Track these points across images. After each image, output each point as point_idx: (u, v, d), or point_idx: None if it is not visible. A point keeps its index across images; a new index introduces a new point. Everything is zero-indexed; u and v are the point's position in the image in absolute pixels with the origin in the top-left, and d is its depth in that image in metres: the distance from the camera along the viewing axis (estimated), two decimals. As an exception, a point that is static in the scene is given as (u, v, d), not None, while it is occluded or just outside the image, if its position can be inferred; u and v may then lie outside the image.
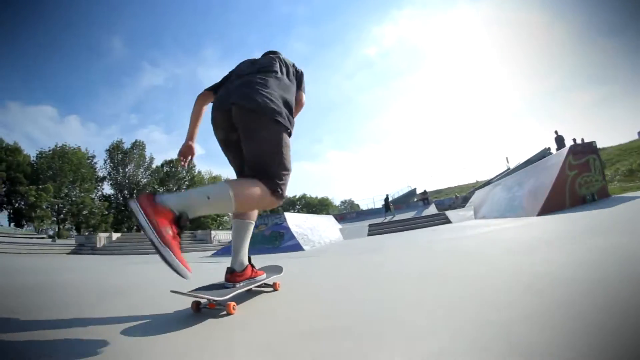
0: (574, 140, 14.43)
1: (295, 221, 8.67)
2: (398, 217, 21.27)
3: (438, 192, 33.88)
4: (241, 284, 1.64)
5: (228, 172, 44.10)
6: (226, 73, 1.87)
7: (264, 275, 1.83)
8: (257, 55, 1.94)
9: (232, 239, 1.75)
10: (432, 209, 21.96)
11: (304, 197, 55.61)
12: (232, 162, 1.77)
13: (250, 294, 1.78)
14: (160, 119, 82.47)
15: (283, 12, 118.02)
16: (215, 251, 10.32)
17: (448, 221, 10.09)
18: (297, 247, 7.51)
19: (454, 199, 25.02)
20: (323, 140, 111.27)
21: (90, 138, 64.30)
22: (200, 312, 1.48)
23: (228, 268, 1.67)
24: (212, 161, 79.17)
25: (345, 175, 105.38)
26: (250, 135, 1.52)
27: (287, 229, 8.14)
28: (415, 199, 29.60)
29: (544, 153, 16.13)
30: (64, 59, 62.89)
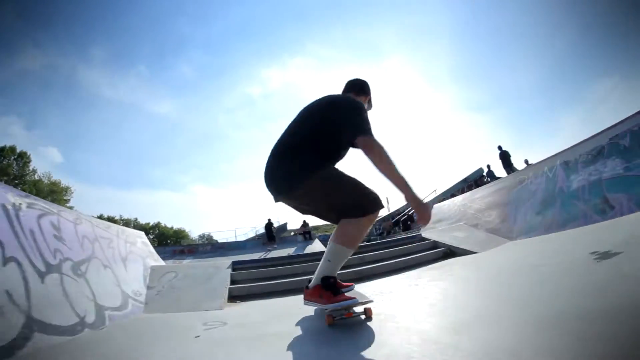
0: (526, 161, 12.26)
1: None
2: (278, 252, 15.70)
3: (327, 226, 29.67)
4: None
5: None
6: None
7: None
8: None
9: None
10: (317, 246, 17.36)
11: (158, 225, 50.80)
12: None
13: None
14: (25, 110, 61.57)
15: (183, 31, 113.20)
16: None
17: (448, 251, 4.41)
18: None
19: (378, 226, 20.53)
20: (190, 172, 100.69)
21: None
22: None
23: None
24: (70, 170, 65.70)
25: (208, 211, 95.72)
26: (311, 201, 1.86)
27: None
28: (293, 233, 24.22)
29: (480, 172, 13.80)
30: None
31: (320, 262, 1.84)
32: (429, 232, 5.45)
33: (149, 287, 3.34)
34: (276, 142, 1.91)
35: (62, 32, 73.58)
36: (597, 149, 4.29)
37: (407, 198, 1.64)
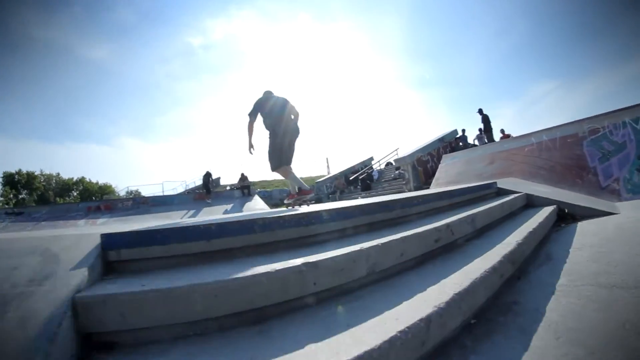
0: (502, 131, 12.05)
1: None
2: (213, 209, 13.80)
3: (267, 182, 28.08)
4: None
5: None
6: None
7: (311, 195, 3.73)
8: None
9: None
10: (258, 202, 15.91)
11: (82, 181, 43.71)
12: None
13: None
14: None
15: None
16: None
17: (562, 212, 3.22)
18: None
19: (329, 184, 19.30)
20: (120, 124, 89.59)
21: None
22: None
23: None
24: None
25: (138, 166, 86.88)
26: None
27: None
28: (229, 187, 22.11)
29: (455, 134, 13.41)
30: None
31: (293, 183, 3.71)
32: (503, 183, 4.21)
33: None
34: (287, 128, 3.61)
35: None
36: None
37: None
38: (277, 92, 3.72)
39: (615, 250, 2.18)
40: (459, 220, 2.28)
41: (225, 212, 13.91)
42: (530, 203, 3.56)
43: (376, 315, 1.14)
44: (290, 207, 3.70)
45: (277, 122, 3.52)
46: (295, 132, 3.67)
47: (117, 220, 12.79)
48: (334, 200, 14.46)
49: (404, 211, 2.58)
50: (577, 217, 3.14)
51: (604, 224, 2.76)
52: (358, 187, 15.70)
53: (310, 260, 1.30)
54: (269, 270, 1.22)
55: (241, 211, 13.98)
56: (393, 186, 13.27)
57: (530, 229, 2.41)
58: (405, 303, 1.24)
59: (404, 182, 12.22)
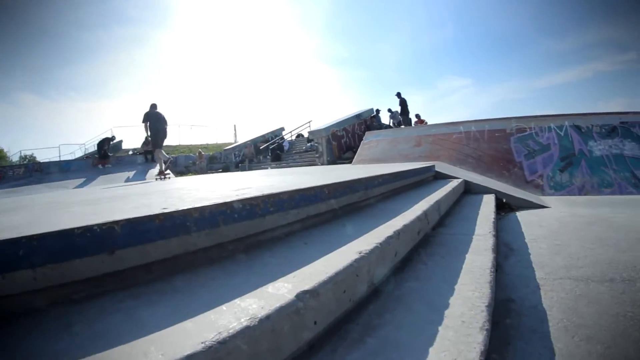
0: (418, 116, 12.60)
1: None
2: (113, 176, 12.00)
3: (172, 148, 24.99)
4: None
5: None
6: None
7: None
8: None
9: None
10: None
11: None
12: None
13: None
14: None
15: None
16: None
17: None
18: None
19: (196, 158, 17.94)
20: (14, 76, 70.45)
21: None
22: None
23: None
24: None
25: (35, 127, 71.23)
26: None
27: None
28: (132, 152, 19.13)
29: (371, 112, 13.52)
30: None
31: (160, 161, 7.86)
32: (440, 167, 4.16)
33: None
34: (161, 126, 7.37)
35: None
36: (610, 127, 4.21)
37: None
38: (159, 107, 7.47)
39: (569, 243, 2.19)
40: (431, 207, 1.98)
41: (127, 180, 11.99)
42: (468, 189, 3.59)
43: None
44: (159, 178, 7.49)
45: (156, 125, 7.25)
46: (165, 132, 7.52)
47: (8, 191, 10.38)
48: (244, 170, 13.71)
49: (366, 193, 2.18)
50: (512, 207, 3.24)
51: (543, 217, 2.86)
52: (268, 157, 15.23)
53: (306, 288, 0.77)
54: (237, 314, 0.65)
55: (144, 179, 12.18)
56: (305, 158, 13.11)
57: (492, 220, 2.28)
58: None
59: (317, 155, 12.06)
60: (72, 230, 0.79)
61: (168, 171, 8.11)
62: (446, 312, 0.96)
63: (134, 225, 0.89)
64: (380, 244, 1.17)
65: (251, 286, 0.81)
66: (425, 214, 1.80)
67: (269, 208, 1.31)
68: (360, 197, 2.09)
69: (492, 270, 1.32)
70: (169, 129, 7.62)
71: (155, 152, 7.86)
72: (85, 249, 0.80)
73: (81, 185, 11.38)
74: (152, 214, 0.95)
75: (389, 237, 1.26)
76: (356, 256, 1.01)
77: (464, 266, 1.37)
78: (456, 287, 1.16)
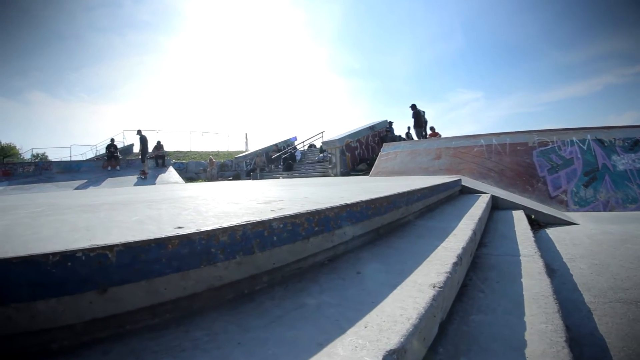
0: (432, 128, 12.59)
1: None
2: (121, 179, 12.28)
3: (183, 154, 25.34)
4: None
5: None
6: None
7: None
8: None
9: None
10: (172, 175, 14.44)
11: None
12: None
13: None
14: None
15: None
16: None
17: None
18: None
19: (207, 165, 17.80)
20: (30, 76, 74.99)
21: None
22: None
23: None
24: None
25: (48, 126, 75.51)
26: None
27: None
28: (145, 157, 19.27)
29: (385, 124, 13.69)
30: None
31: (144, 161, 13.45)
32: (466, 181, 4.22)
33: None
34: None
35: None
36: (633, 140, 4.23)
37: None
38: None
39: (608, 262, 2.22)
40: (477, 226, 2.04)
41: (136, 184, 12.22)
42: (495, 205, 3.63)
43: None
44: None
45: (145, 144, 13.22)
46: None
47: (16, 188, 10.82)
48: (255, 178, 13.82)
49: (407, 209, 2.24)
50: (540, 224, 3.28)
51: (574, 234, 2.88)
52: (280, 166, 15.35)
53: (392, 347, 0.61)
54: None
55: (154, 184, 12.36)
56: (317, 169, 13.19)
57: (532, 238, 2.32)
58: None
59: (330, 166, 12.14)
60: (45, 257, 0.58)
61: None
62: (527, 352, 0.88)
63: (136, 253, 0.67)
64: (449, 272, 1.11)
65: (309, 342, 0.62)
66: (474, 233, 1.85)
67: (313, 228, 1.14)
68: (402, 213, 2.13)
69: (554, 297, 1.36)
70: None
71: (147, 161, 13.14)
72: (64, 285, 0.58)
73: (86, 186, 11.53)
74: (162, 236, 0.72)
75: (455, 264, 1.26)
76: (432, 292, 0.90)
77: (524, 293, 1.40)
78: (525, 319, 1.11)
